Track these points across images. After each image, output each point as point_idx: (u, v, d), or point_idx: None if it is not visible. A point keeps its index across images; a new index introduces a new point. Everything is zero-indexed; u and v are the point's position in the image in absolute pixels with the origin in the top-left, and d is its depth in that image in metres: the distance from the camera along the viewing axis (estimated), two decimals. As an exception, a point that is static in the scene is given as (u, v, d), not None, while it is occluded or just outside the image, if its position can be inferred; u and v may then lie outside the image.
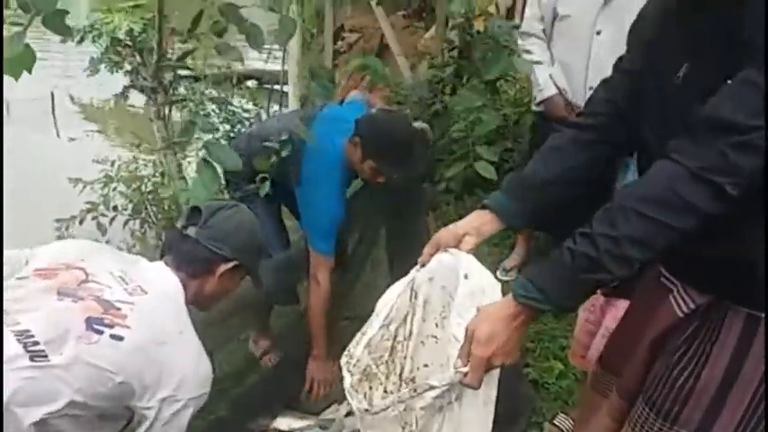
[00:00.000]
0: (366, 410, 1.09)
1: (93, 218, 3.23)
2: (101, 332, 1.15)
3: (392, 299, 1.20)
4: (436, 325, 1.22)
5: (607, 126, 1.14)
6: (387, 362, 1.23)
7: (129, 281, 1.27)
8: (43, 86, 5.40)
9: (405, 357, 1.24)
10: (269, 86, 3.85)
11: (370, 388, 1.21)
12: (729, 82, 0.85)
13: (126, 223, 3.34)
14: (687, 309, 1.08)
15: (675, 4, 0.93)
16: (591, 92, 2.33)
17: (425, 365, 1.25)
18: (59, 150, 4.84)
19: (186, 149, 3.53)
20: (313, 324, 2.00)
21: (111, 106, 5.97)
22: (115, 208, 3.28)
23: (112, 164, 3.55)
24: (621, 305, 1.46)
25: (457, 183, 3.34)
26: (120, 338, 1.16)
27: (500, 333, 0.94)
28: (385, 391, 1.22)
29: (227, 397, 1.91)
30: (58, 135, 5.30)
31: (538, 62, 2.41)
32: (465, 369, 0.97)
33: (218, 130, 2.98)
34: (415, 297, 1.21)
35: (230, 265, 1.39)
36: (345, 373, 1.18)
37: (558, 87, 2.43)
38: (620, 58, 1.15)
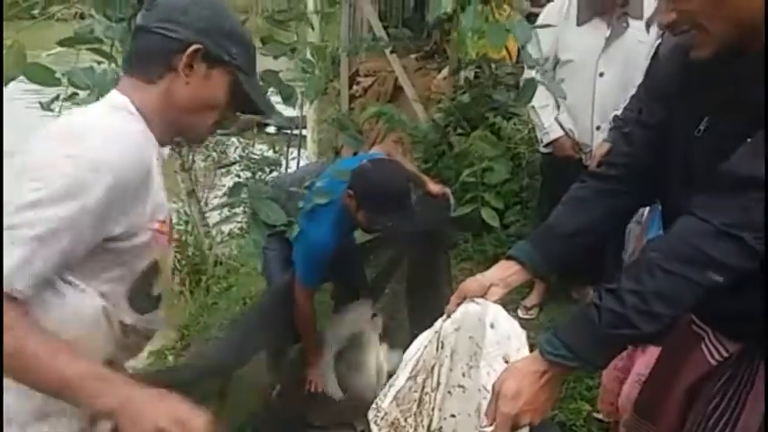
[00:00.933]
0: (396, 464, 1.08)
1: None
2: None
3: (419, 350, 1.20)
4: (463, 375, 1.21)
5: (628, 176, 1.15)
6: (415, 414, 1.22)
7: None
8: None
9: (433, 409, 1.22)
10: (288, 131, 3.94)
11: (399, 441, 1.20)
12: (750, 140, 0.86)
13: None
14: (719, 356, 1.07)
15: (696, 61, 0.95)
16: (598, 132, 2.41)
17: (452, 416, 1.23)
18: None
19: (209, 197, 3.58)
20: (303, 335, 2.16)
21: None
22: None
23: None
24: (652, 351, 1.44)
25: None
26: None
27: (526, 390, 0.94)
28: (413, 444, 1.21)
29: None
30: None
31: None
32: (490, 428, 0.96)
33: (269, 194, 3.02)
34: (442, 347, 1.20)
35: (192, 50, 1.00)
36: (373, 426, 1.17)
37: (564, 129, 2.52)
38: (639, 111, 1.17)
